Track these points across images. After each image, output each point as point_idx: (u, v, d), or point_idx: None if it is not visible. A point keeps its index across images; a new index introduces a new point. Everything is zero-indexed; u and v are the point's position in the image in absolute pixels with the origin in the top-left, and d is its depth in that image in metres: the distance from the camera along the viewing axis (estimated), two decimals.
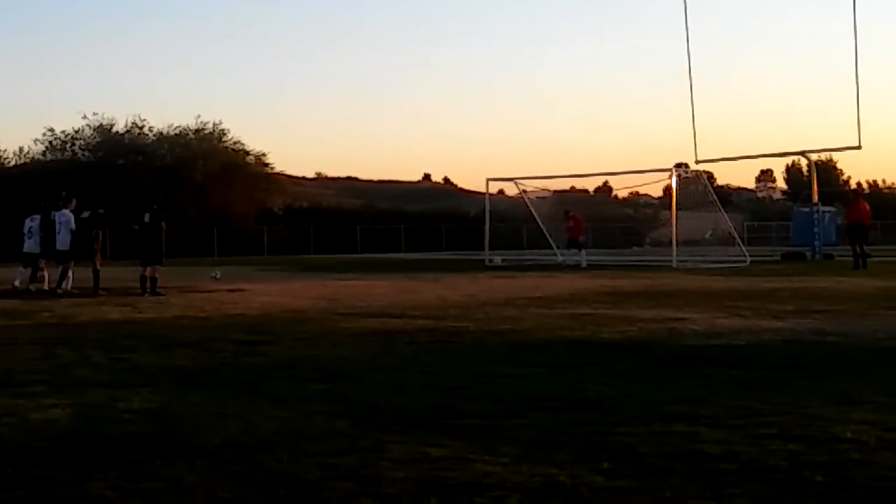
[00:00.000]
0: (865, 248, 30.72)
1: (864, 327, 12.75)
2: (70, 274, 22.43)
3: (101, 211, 23.57)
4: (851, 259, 30.45)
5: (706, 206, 40.70)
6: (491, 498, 4.91)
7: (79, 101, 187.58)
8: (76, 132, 65.25)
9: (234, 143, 67.29)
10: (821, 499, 4.83)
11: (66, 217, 22.94)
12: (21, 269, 23.89)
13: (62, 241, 22.74)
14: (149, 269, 21.65)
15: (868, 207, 32.66)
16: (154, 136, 66.09)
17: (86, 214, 23.05)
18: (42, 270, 23.63)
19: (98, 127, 65.00)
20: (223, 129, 66.90)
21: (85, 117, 66.15)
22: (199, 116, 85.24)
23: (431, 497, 4.94)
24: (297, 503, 4.90)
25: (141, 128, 65.76)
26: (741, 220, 75.99)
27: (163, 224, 22.24)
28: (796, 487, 5.04)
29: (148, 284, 21.34)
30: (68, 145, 65.52)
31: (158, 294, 20.93)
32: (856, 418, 6.67)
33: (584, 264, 35.48)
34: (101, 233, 23.70)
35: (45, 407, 7.69)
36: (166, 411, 7.48)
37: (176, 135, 66.07)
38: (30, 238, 23.61)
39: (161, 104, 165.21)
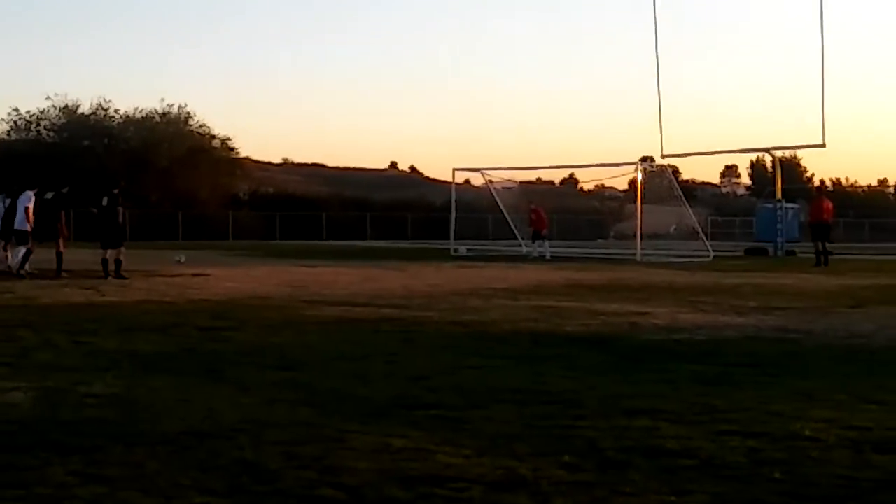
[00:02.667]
0: (827, 245, 30.97)
1: (825, 325, 12.85)
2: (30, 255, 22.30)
3: (65, 191, 23.39)
4: (814, 256, 30.67)
5: (671, 200, 40.85)
6: (452, 490, 4.93)
7: (44, 82, 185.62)
8: (41, 113, 64.93)
9: (200, 126, 67.12)
10: (779, 496, 4.88)
11: (26, 196, 22.69)
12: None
13: (20, 221, 22.46)
14: (110, 252, 21.51)
15: (831, 205, 32.92)
16: (120, 118, 65.79)
17: (49, 195, 22.88)
18: (5, 251, 23.43)
19: (63, 108, 64.67)
20: (189, 113, 66.69)
21: (49, 98, 65.72)
22: (163, 99, 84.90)
23: (393, 488, 4.96)
24: (259, 491, 4.91)
25: (106, 110, 65.54)
26: (705, 214, 76.33)
27: (120, 208, 22.28)
28: (755, 484, 5.09)
29: (112, 267, 21.21)
30: (33, 125, 65.13)
31: (122, 277, 20.83)
32: (815, 416, 6.73)
33: (548, 256, 35.65)
34: (64, 214, 23.54)
35: (6, 390, 7.66)
36: (129, 397, 7.46)
37: (142, 118, 65.74)
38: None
39: (127, 87, 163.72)
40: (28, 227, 22.24)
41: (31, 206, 22.32)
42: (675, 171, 56.19)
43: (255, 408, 7.03)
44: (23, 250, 22.23)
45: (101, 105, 65.33)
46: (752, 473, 5.29)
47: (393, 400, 7.34)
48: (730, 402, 7.28)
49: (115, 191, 22.49)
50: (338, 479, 5.09)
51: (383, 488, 4.95)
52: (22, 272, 21.69)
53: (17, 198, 22.88)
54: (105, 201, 22.08)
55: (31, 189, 22.92)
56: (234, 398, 7.40)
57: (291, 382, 8.15)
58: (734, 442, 5.98)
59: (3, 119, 66.00)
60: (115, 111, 65.83)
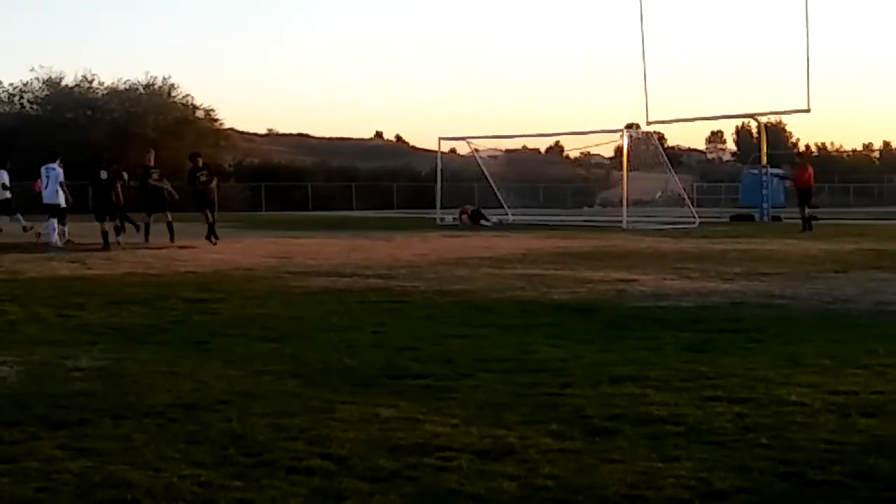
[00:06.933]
0: (810, 210, 31.10)
1: (810, 290, 12.89)
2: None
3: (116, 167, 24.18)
4: (800, 222, 30.74)
5: (656, 166, 40.87)
6: (441, 458, 4.95)
7: (27, 55, 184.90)
8: (24, 85, 64.52)
9: (184, 97, 66.82)
10: (765, 461, 4.91)
11: (58, 171, 23.53)
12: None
13: (52, 194, 23.32)
14: (108, 223, 22.19)
15: (812, 171, 33.02)
16: (104, 90, 65.42)
17: (104, 175, 23.36)
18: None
19: (47, 80, 64.23)
20: (172, 84, 66.35)
21: (33, 70, 65.40)
22: (148, 72, 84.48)
23: (381, 458, 4.97)
24: (247, 463, 4.92)
25: (90, 82, 65.09)
26: (691, 181, 76.31)
27: (119, 183, 23.09)
28: (741, 449, 5.12)
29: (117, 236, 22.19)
30: (16, 98, 64.78)
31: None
32: (801, 381, 6.77)
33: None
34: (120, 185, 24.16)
35: None
36: (116, 370, 7.46)
37: (126, 89, 65.41)
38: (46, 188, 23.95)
39: (110, 58, 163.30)
40: (59, 201, 23.25)
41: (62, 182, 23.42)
42: (661, 137, 56.19)
43: (242, 379, 7.04)
44: (53, 223, 23.02)
45: (85, 77, 65.01)
46: (738, 439, 5.32)
47: (380, 370, 7.36)
48: (716, 368, 7.31)
49: (114, 165, 23.63)
50: (326, 450, 5.11)
51: (371, 458, 4.97)
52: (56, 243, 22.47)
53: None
54: (104, 175, 22.58)
55: (52, 161, 23.85)
56: (221, 370, 7.41)
57: (278, 354, 8.15)
58: (721, 408, 6.02)
59: None
60: (100, 84, 65.55)
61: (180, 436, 5.44)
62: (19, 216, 25.87)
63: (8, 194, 25.97)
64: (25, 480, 4.67)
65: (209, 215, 23.76)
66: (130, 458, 4.99)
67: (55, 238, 22.83)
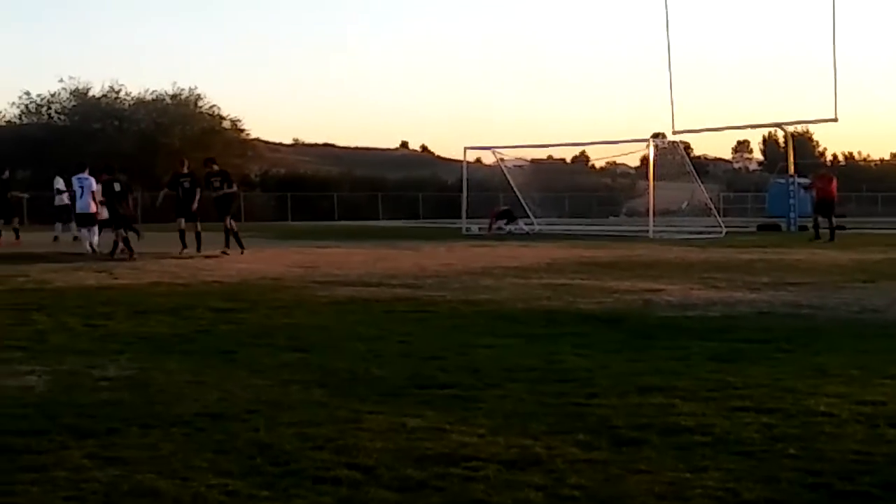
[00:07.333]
0: (833, 221, 31.02)
1: (838, 300, 12.82)
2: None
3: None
4: (827, 231, 30.59)
5: (683, 176, 40.72)
6: (467, 468, 4.95)
7: (55, 66, 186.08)
8: (52, 96, 64.93)
9: (210, 108, 67.09)
10: (793, 471, 4.88)
11: (90, 181, 24.02)
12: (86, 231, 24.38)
13: (86, 204, 23.93)
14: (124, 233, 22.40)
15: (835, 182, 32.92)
16: (131, 101, 65.76)
17: (187, 182, 24.11)
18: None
19: (74, 91, 64.62)
20: (199, 95, 66.66)
21: (61, 80, 65.79)
22: (175, 83, 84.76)
23: (408, 467, 4.97)
24: (274, 473, 4.93)
25: (118, 92, 65.45)
26: (717, 190, 76.13)
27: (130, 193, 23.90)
28: (769, 460, 5.10)
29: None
30: (44, 109, 65.18)
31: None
32: (829, 391, 6.73)
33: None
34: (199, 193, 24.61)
35: (22, 374, 7.70)
36: (143, 379, 7.48)
37: (153, 100, 65.73)
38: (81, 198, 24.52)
39: (137, 69, 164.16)
40: (93, 209, 23.86)
41: (97, 190, 23.75)
42: (687, 147, 56.04)
43: (268, 389, 7.05)
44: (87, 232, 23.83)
45: (112, 88, 65.37)
46: (766, 450, 5.30)
47: (407, 380, 7.35)
48: (743, 378, 7.28)
49: (122, 176, 23.95)
50: (353, 460, 5.11)
51: (398, 468, 4.97)
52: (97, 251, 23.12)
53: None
54: (117, 187, 22.82)
55: (81, 171, 24.47)
56: (247, 380, 7.42)
57: (305, 363, 8.16)
58: (748, 418, 5.99)
59: (14, 103, 66.16)
60: (127, 94, 65.90)
61: (208, 445, 5.45)
62: (72, 225, 26.34)
63: (66, 199, 26.50)
64: (54, 489, 4.69)
65: (229, 223, 23.73)
66: (158, 467, 5.01)
67: (93, 243, 23.50)
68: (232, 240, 23.41)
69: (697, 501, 4.47)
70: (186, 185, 24.14)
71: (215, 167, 24.83)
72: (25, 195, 31.37)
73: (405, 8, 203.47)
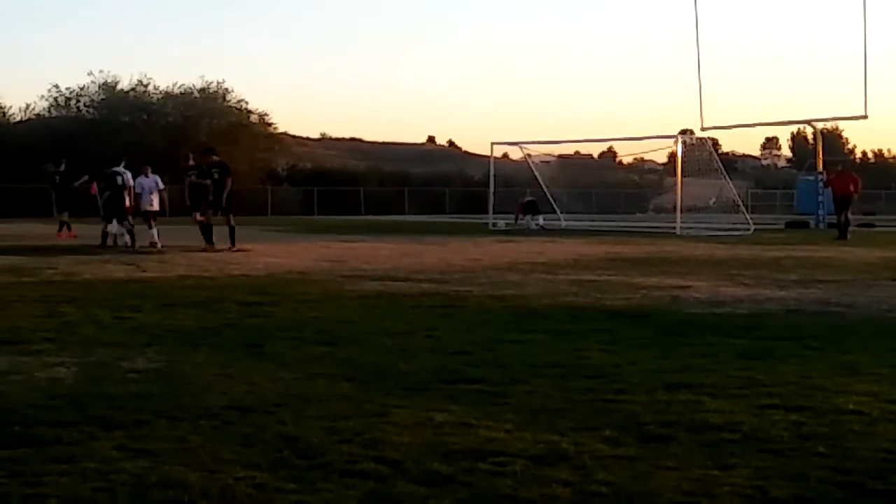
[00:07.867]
0: (845, 218, 30.87)
1: (867, 298, 12.76)
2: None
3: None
4: (849, 229, 30.48)
5: (710, 172, 40.59)
6: (494, 464, 4.94)
7: (84, 59, 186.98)
8: (81, 89, 65.26)
9: (238, 102, 67.26)
10: (822, 469, 4.85)
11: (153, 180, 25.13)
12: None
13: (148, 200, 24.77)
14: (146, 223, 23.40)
15: (856, 179, 32.75)
16: (159, 94, 66.01)
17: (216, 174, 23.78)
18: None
19: (103, 84, 64.93)
20: (227, 89, 66.83)
21: (90, 74, 66.17)
22: (203, 76, 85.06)
23: (435, 462, 4.97)
24: (301, 465, 4.93)
25: (146, 86, 65.71)
26: (745, 187, 75.81)
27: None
28: (798, 458, 5.07)
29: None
30: (73, 102, 65.51)
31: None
32: (858, 390, 6.69)
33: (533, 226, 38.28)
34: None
35: (51, 365, 7.73)
36: (171, 371, 7.51)
37: (181, 93, 65.97)
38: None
39: (165, 63, 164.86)
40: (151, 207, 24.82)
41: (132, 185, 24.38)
42: (715, 143, 55.75)
43: (296, 382, 7.06)
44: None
45: (140, 81, 65.64)
46: (795, 447, 5.26)
47: (434, 374, 7.35)
48: (772, 375, 7.25)
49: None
50: (380, 453, 5.11)
51: (425, 462, 4.96)
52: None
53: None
54: (120, 181, 23.63)
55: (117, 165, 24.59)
56: (275, 373, 7.44)
57: (332, 357, 8.17)
58: (777, 416, 5.96)
59: (43, 96, 66.56)
60: (155, 87, 66.16)
61: (235, 438, 5.47)
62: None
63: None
64: (83, 480, 4.70)
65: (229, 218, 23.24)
66: (186, 460, 5.02)
67: (155, 239, 23.83)
68: (213, 233, 23.09)
69: (725, 499, 4.45)
70: (194, 177, 24.22)
71: (215, 158, 24.11)
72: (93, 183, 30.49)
73: (434, 4, 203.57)
